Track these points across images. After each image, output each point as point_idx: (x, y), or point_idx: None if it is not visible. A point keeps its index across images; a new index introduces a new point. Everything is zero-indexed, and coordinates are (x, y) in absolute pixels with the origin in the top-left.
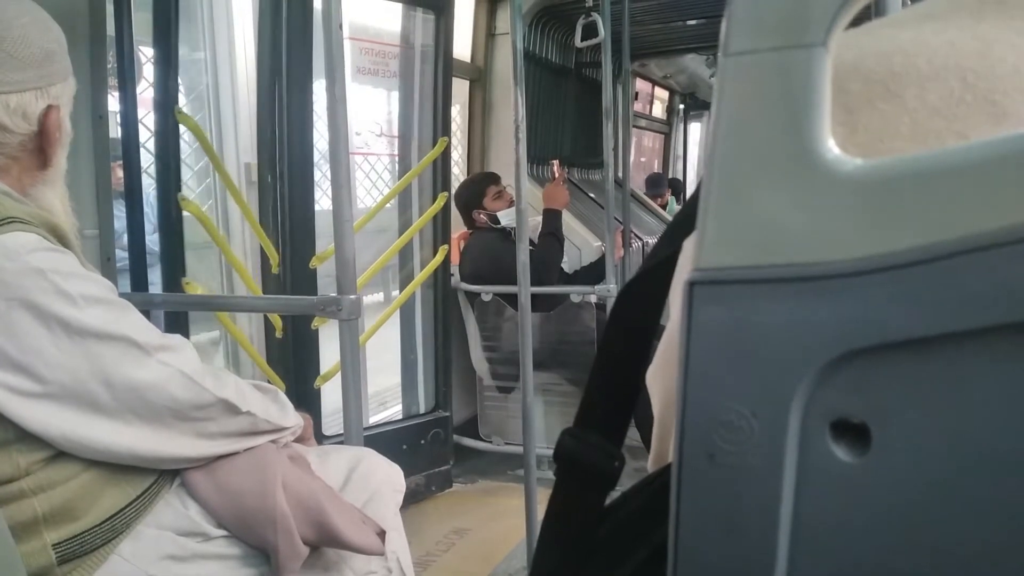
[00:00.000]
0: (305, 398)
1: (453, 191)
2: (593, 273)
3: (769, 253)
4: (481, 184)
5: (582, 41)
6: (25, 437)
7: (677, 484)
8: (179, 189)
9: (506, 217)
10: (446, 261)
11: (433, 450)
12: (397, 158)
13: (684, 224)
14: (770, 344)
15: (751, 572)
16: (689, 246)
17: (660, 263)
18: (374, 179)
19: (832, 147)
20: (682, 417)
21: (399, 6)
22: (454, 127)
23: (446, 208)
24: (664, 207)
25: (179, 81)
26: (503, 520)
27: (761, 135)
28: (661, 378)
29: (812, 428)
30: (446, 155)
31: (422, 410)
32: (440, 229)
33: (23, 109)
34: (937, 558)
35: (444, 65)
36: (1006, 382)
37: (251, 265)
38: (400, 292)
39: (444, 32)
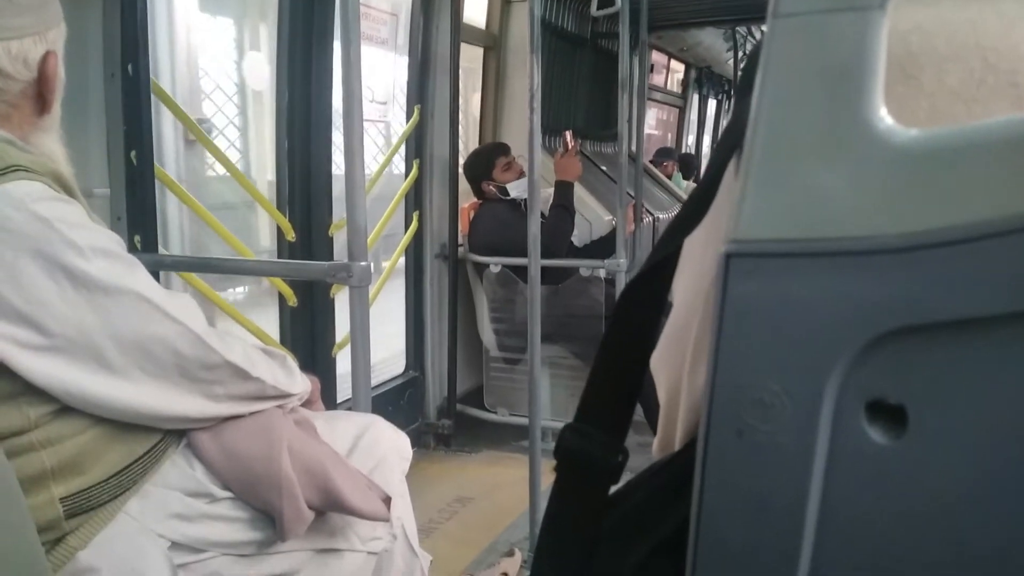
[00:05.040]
0: (323, 366)
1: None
2: (603, 247)
3: (813, 226)
4: (490, 155)
5: (598, 10)
6: (33, 389)
7: (703, 460)
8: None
9: (516, 189)
10: (420, 230)
11: (409, 410)
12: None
13: (687, 222)
14: (809, 320)
15: (776, 551)
16: (695, 236)
17: (662, 261)
18: (379, 145)
19: (885, 116)
20: (711, 392)
21: None
22: (464, 95)
23: (420, 176)
24: (669, 177)
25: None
26: (506, 490)
27: (810, 102)
28: (666, 364)
29: (847, 408)
30: (422, 123)
31: (398, 372)
32: (413, 198)
33: (24, 56)
34: (969, 547)
35: (424, 33)
36: None
37: (271, 230)
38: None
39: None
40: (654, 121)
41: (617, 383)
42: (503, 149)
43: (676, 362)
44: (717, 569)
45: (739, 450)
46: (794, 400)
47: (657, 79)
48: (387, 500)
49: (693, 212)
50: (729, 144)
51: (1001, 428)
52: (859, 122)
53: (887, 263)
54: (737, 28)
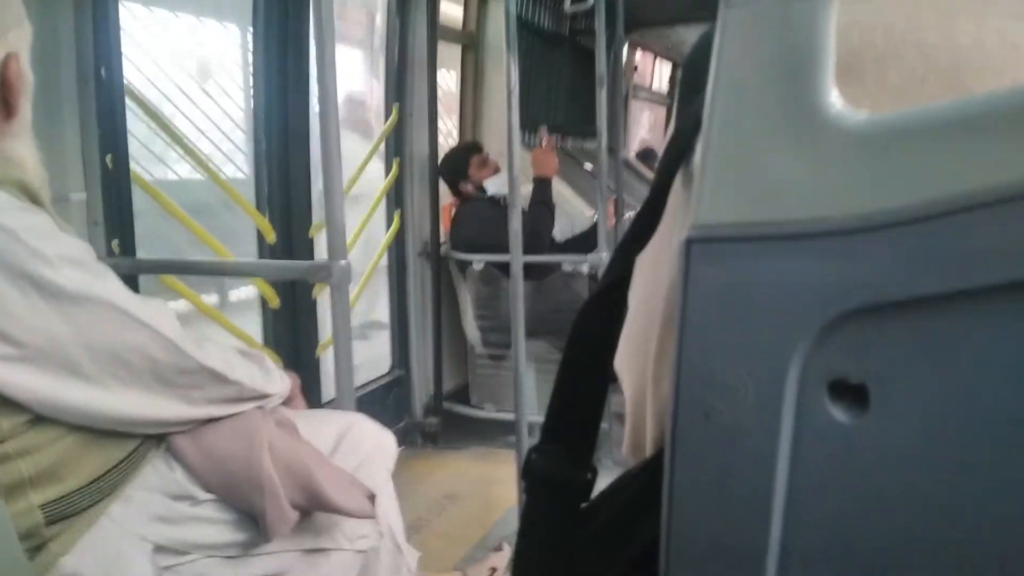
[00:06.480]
0: (307, 367)
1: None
2: (585, 242)
3: (769, 210)
4: (464, 154)
5: (572, 5)
6: (6, 400)
7: (671, 446)
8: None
9: (493, 185)
10: (402, 229)
11: (396, 408)
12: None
13: (638, 238)
14: (769, 303)
15: (745, 533)
16: (646, 251)
17: (616, 279)
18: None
19: (836, 100)
20: (677, 376)
21: None
22: (442, 93)
23: (400, 175)
24: None
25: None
26: (495, 486)
27: (763, 89)
28: (628, 371)
29: (809, 388)
30: (401, 123)
31: (383, 371)
32: (394, 196)
33: None
34: (935, 522)
35: (401, 33)
36: (1009, 342)
37: (251, 234)
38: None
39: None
40: (647, 124)
41: (580, 401)
42: (476, 147)
43: (638, 371)
44: (689, 551)
45: (706, 432)
46: (758, 382)
47: (644, 79)
48: (372, 497)
49: (643, 227)
50: (674, 156)
51: (958, 403)
52: (810, 107)
53: (841, 244)
54: (719, 6)
